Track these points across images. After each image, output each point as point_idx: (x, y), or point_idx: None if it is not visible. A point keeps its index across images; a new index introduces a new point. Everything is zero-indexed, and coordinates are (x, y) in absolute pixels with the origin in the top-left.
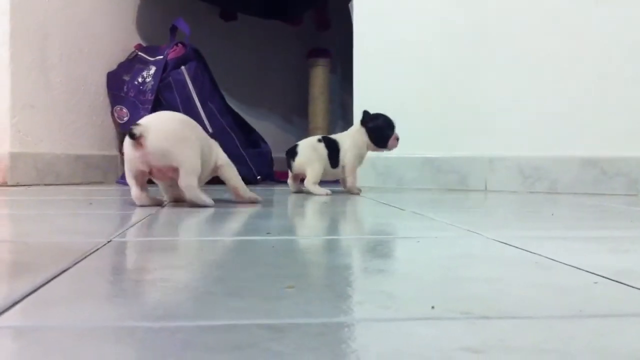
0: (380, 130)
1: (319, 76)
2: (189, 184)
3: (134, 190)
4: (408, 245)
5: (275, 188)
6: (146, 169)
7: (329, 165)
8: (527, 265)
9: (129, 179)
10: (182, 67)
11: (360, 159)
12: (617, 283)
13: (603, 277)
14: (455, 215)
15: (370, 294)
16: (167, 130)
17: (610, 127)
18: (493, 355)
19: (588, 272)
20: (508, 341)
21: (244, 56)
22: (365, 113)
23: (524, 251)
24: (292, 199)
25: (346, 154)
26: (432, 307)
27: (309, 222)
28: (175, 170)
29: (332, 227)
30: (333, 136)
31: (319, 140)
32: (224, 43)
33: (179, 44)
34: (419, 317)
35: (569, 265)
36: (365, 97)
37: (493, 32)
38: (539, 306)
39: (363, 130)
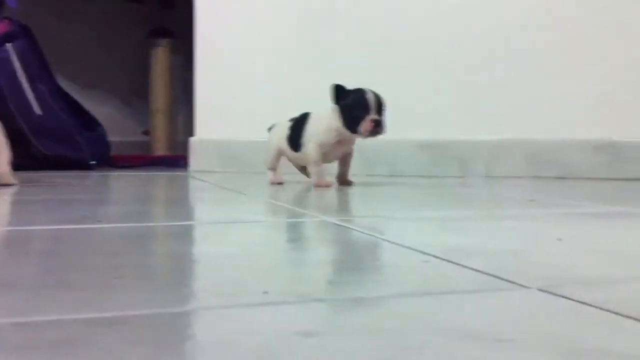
0: (349, 111)
1: (161, 57)
2: (6, 168)
3: None
4: (245, 230)
5: (112, 173)
6: None
7: (288, 148)
8: (362, 246)
9: None
10: (8, 45)
11: (325, 147)
12: (447, 262)
13: (434, 256)
14: (296, 199)
15: (205, 281)
16: None
17: (443, 112)
18: (327, 337)
19: (420, 251)
20: (342, 323)
21: (79, 34)
22: (337, 87)
23: (360, 232)
24: (129, 185)
25: (309, 138)
26: (265, 292)
27: (144, 209)
28: None
29: (170, 213)
30: (315, 114)
31: (291, 120)
32: (56, 20)
33: (5, 20)
34: (254, 303)
35: (402, 245)
36: (208, 80)
37: (337, 15)
38: (374, 286)
39: (336, 110)
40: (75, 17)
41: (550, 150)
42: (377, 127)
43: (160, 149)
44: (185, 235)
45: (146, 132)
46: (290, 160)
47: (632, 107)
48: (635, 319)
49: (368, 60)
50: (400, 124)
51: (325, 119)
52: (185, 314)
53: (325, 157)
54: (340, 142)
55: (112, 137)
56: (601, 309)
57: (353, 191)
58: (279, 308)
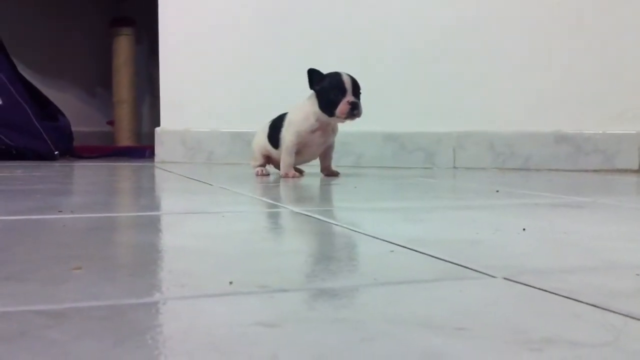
0: (325, 94)
1: (123, 46)
2: None
3: None
4: (212, 220)
5: (75, 164)
6: None
7: (270, 147)
8: (328, 236)
9: None
10: None
11: (303, 135)
12: (413, 251)
13: (400, 245)
14: (261, 189)
15: (166, 272)
16: None
17: (409, 104)
18: (287, 328)
19: (386, 241)
20: (303, 313)
21: (39, 22)
22: (312, 72)
23: (326, 222)
24: (92, 176)
25: (286, 130)
26: (231, 283)
27: (107, 199)
28: None
29: (134, 204)
30: (291, 109)
31: (270, 121)
32: (16, 7)
33: None
34: (216, 293)
35: (368, 235)
36: (173, 71)
37: (300, 8)
38: (339, 276)
39: (314, 96)
40: (36, 3)
41: (513, 142)
42: (354, 110)
43: (125, 140)
44: (148, 226)
45: (110, 123)
46: (274, 160)
47: (592, 101)
48: (596, 306)
49: (331, 54)
50: (365, 115)
51: (302, 108)
52: (146, 305)
53: (308, 152)
54: (321, 132)
55: (76, 128)
56: (562, 296)
57: (319, 182)
58: (241, 299)
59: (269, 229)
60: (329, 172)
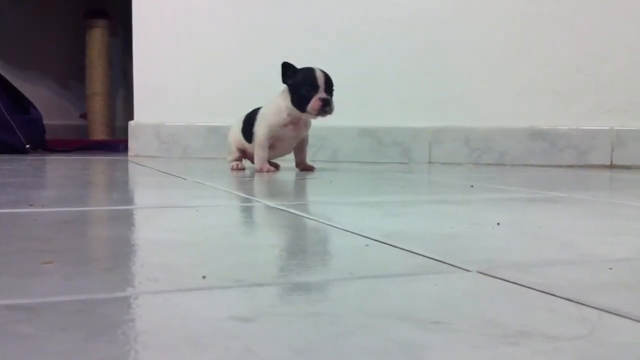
0: (297, 89)
1: (97, 39)
2: None
3: None
4: (186, 215)
5: (47, 158)
6: None
7: (244, 141)
8: (304, 230)
9: None
10: None
11: (275, 129)
12: (388, 245)
13: (376, 240)
14: (236, 183)
15: (140, 266)
16: None
17: (386, 99)
18: (262, 322)
19: (361, 235)
20: (278, 307)
21: (11, 13)
22: (286, 66)
23: (302, 217)
24: (65, 169)
25: (258, 124)
26: (204, 277)
27: (80, 193)
28: None
29: (106, 198)
30: (265, 103)
31: (247, 113)
32: None
33: None
34: (190, 287)
35: (344, 230)
36: (147, 63)
37: (277, 1)
38: (314, 270)
39: (287, 90)
40: None
41: (489, 137)
42: (326, 107)
43: (98, 133)
44: (121, 220)
45: (84, 116)
46: (249, 154)
47: (567, 97)
48: (570, 300)
49: (309, 48)
50: (342, 110)
51: (274, 102)
52: (119, 299)
53: (281, 146)
54: (292, 127)
55: (48, 121)
56: (537, 290)
57: (294, 177)
58: (216, 293)
59: (243, 223)
60: (304, 167)
